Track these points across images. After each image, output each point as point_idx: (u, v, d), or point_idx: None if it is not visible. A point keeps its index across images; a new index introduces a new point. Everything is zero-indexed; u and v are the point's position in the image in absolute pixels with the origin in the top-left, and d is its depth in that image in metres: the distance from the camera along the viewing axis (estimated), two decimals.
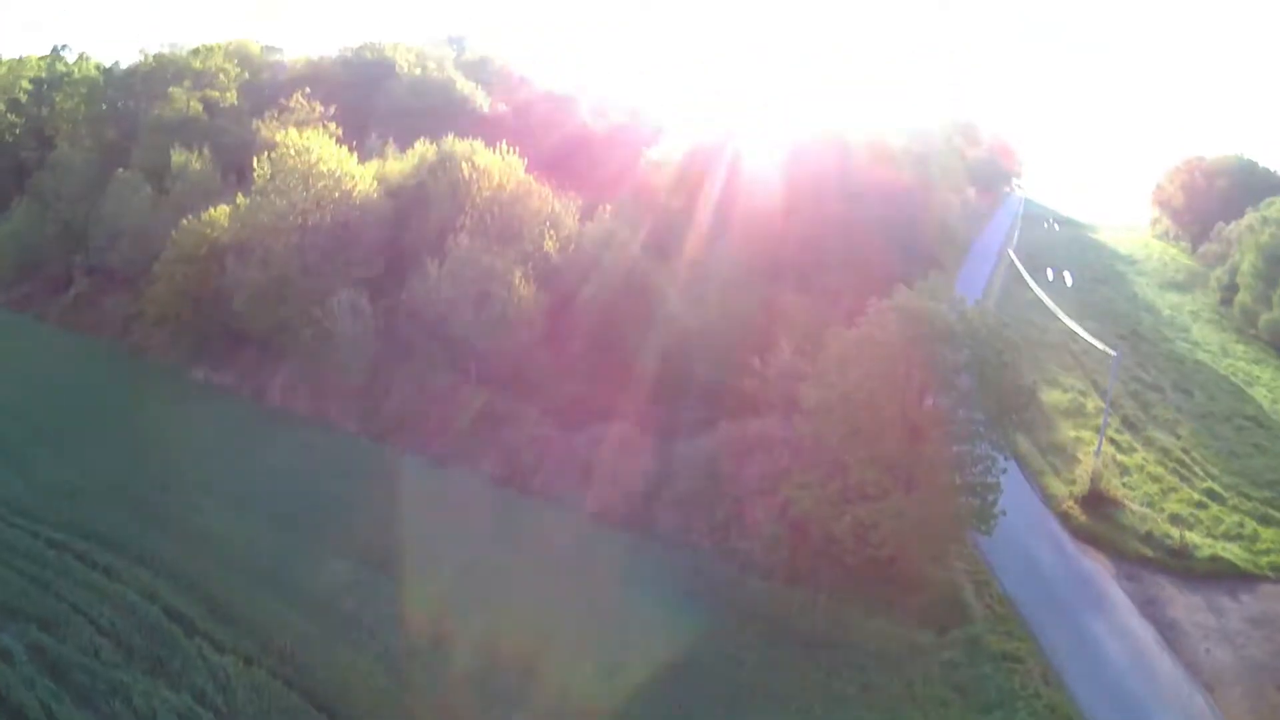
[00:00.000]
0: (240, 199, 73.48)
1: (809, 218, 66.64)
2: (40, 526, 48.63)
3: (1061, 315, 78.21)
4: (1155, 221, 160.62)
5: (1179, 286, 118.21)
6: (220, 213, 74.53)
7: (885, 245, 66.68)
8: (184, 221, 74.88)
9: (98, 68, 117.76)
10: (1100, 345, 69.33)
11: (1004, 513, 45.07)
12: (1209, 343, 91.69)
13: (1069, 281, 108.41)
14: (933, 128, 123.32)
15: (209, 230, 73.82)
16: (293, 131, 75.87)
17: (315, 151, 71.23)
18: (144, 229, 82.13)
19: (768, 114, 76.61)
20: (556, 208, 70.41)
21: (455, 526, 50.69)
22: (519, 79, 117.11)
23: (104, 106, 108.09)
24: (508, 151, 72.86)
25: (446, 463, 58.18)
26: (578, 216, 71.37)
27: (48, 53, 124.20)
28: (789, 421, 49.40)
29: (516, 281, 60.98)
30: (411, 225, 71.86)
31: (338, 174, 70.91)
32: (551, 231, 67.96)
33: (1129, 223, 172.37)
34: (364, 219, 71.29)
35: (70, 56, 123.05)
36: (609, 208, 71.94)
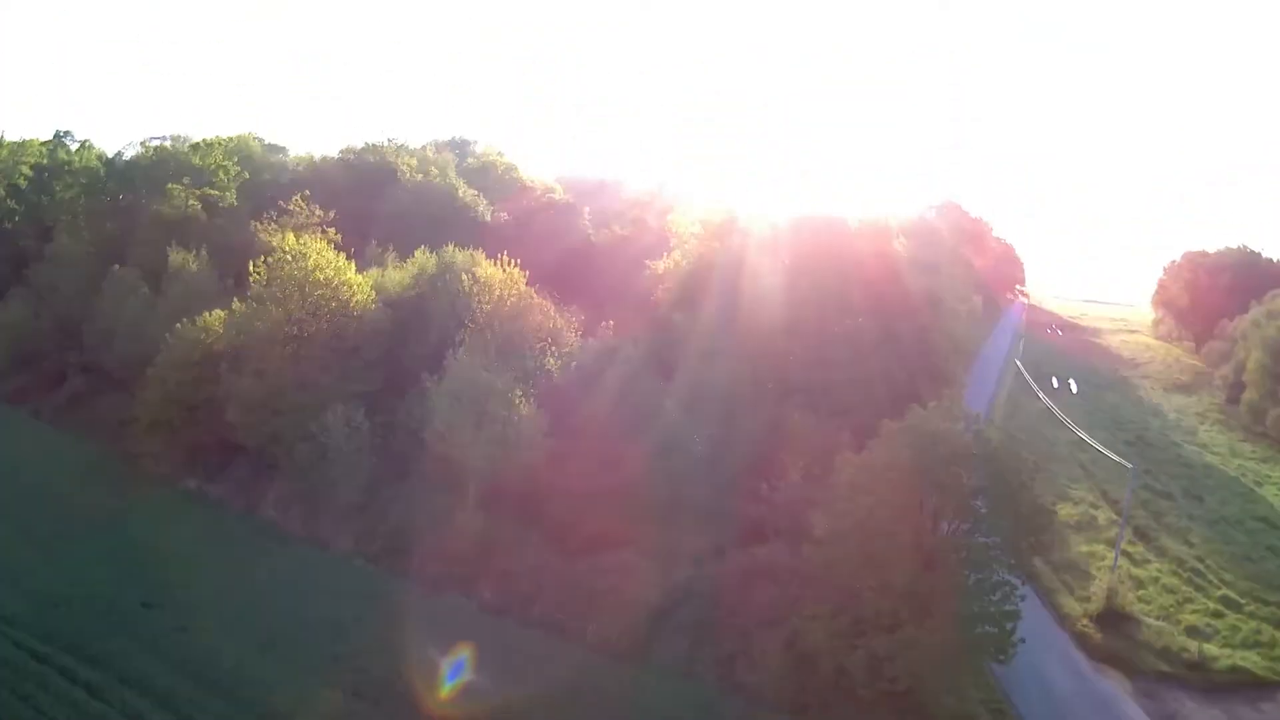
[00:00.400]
0: (236, 304, 72.42)
1: (816, 333, 65.65)
2: (24, 635, 47.37)
3: (1071, 425, 77.65)
4: (1158, 322, 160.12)
5: (1184, 388, 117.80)
6: (216, 318, 73.47)
7: (895, 362, 65.69)
8: (178, 325, 73.57)
9: (99, 157, 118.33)
10: (1112, 455, 68.63)
11: (1023, 640, 43.66)
12: (1217, 444, 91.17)
13: (1074, 389, 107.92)
14: (939, 233, 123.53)
15: (204, 335, 72.69)
16: (290, 236, 75.09)
17: (313, 258, 70.50)
18: (139, 329, 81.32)
19: (771, 222, 75.89)
20: (558, 323, 69.58)
21: (450, 656, 48.36)
22: (521, 186, 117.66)
23: (104, 199, 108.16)
24: (509, 263, 71.92)
25: (443, 588, 56.38)
26: (579, 332, 70.70)
27: (50, 138, 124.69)
28: (798, 549, 48.08)
29: (517, 401, 59.73)
30: (410, 338, 71.05)
31: (335, 283, 70.16)
32: (553, 348, 67.21)
33: (1130, 324, 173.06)
34: (361, 330, 70.46)
35: (72, 143, 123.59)
36: (611, 323, 71.43)
